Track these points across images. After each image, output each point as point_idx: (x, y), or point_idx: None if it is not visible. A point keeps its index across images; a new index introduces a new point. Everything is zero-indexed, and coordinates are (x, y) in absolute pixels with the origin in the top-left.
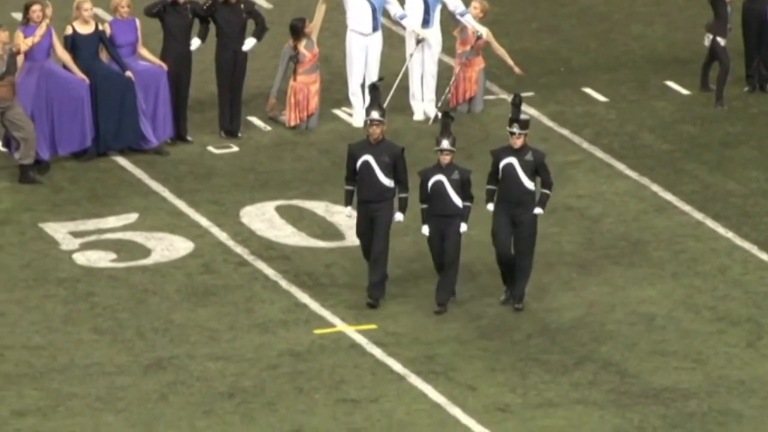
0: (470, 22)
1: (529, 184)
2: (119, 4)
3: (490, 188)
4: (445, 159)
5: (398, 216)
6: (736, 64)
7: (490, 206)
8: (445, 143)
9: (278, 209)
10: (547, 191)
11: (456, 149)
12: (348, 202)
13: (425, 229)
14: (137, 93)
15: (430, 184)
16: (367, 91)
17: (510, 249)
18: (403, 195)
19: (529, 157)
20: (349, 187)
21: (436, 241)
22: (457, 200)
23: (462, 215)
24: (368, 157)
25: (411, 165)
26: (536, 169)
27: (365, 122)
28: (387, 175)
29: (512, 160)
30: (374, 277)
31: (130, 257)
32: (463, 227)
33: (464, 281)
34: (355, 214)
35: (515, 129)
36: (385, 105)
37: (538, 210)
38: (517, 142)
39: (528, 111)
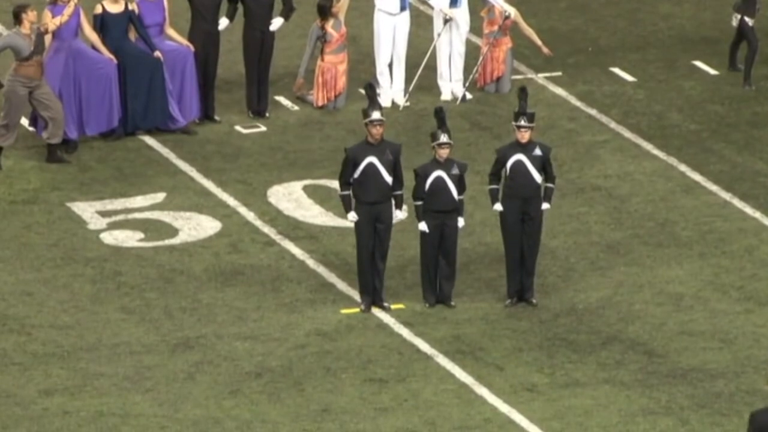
0: (498, 1)
1: (539, 179)
2: None
3: (494, 188)
4: (444, 153)
5: (401, 214)
6: (764, 44)
7: (498, 206)
8: (444, 137)
9: (305, 189)
10: (552, 185)
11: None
12: (349, 208)
13: (423, 226)
14: (165, 73)
15: (429, 180)
16: (365, 89)
17: (522, 247)
18: (399, 192)
19: (537, 152)
20: (347, 192)
21: (434, 237)
22: (456, 195)
23: (458, 209)
24: (372, 159)
25: None
26: (543, 164)
27: (365, 123)
28: (390, 174)
29: (521, 156)
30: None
31: (158, 237)
32: (461, 222)
33: (491, 261)
34: (357, 218)
35: (523, 122)
36: (412, 85)
37: (546, 205)
38: (525, 137)
39: (555, 91)
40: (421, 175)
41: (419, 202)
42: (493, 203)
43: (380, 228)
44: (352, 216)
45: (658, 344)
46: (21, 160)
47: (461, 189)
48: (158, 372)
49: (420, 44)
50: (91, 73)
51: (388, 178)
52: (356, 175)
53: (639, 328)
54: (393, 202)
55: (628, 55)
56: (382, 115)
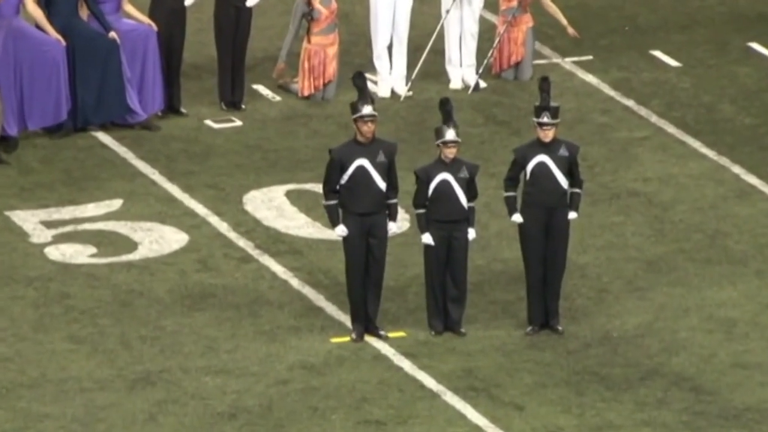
0: None
1: (565, 184)
2: None
3: (511, 195)
4: (451, 153)
5: (395, 226)
6: None
7: (517, 217)
8: (451, 134)
9: (288, 195)
10: (579, 190)
11: (461, 140)
12: (336, 220)
13: (427, 238)
14: (122, 57)
15: (433, 184)
16: (353, 80)
17: (544, 263)
18: (394, 200)
19: (563, 151)
20: (333, 202)
21: (440, 252)
22: (465, 202)
23: (468, 219)
24: (363, 161)
25: None
26: (570, 166)
27: (353, 119)
28: (384, 179)
29: (544, 158)
30: (374, 304)
31: (113, 252)
32: (472, 233)
33: (509, 281)
34: (346, 232)
35: (546, 119)
36: (416, 71)
37: (573, 215)
38: (549, 135)
39: (585, 78)
40: (422, 179)
41: (421, 210)
42: (510, 213)
43: (373, 243)
44: (341, 230)
45: (707, 379)
46: None
47: (472, 195)
48: (113, 413)
49: (425, 23)
50: (34, 58)
51: (382, 184)
52: (344, 180)
53: (684, 360)
54: (387, 212)
55: (671, 36)
56: (374, 109)
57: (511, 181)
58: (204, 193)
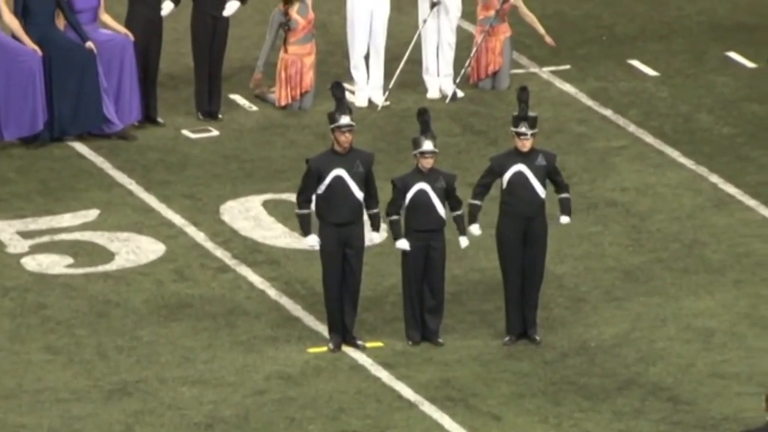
0: None
1: (543, 193)
2: None
3: (476, 204)
4: (428, 163)
5: (377, 237)
6: None
7: (475, 229)
8: (428, 144)
9: (266, 204)
10: (567, 195)
11: (438, 151)
12: (308, 230)
13: (403, 243)
14: (99, 67)
15: (410, 194)
16: (330, 90)
17: (522, 273)
18: (375, 210)
19: (540, 161)
20: (306, 211)
21: (418, 261)
22: (442, 211)
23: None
24: (340, 171)
25: None
26: (549, 174)
27: (331, 129)
28: (361, 189)
29: (522, 168)
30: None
31: (90, 262)
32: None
33: (486, 291)
34: (318, 244)
35: (524, 129)
36: (393, 81)
37: (565, 219)
38: (527, 145)
39: (563, 87)
40: (399, 188)
41: (395, 217)
42: (471, 222)
43: (350, 254)
44: (313, 240)
45: (684, 389)
46: None
47: (455, 204)
48: (90, 423)
49: (402, 33)
50: (10, 67)
51: (359, 194)
52: (321, 190)
53: (662, 370)
54: (369, 222)
55: (649, 46)
56: (351, 119)
57: (481, 188)
58: (181, 203)
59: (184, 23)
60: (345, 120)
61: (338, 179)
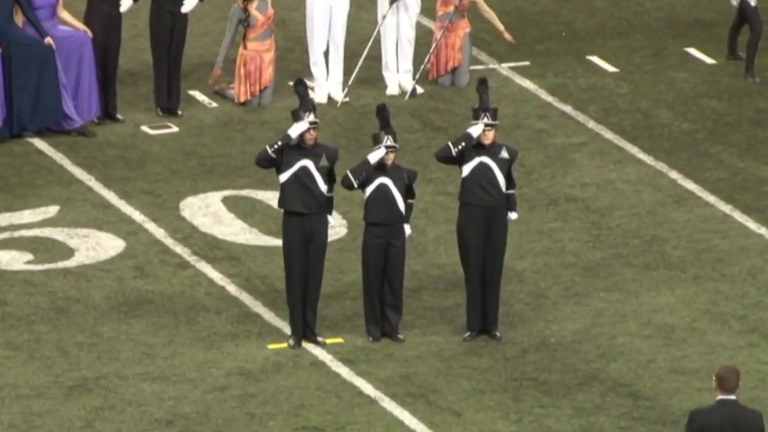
0: None
1: (504, 186)
2: None
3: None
4: (389, 159)
5: (331, 219)
6: None
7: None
8: (389, 139)
9: (225, 201)
10: (514, 191)
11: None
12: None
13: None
14: (58, 63)
15: (371, 189)
16: (294, 87)
17: (482, 267)
18: (330, 194)
19: (504, 154)
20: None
21: (378, 258)
22: (403, 207)
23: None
24: (307, 162)
25: None
26: (509, 169)
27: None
28: (326, 182)
29: (486, 159)
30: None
31: (49, 258)
32: (408, 230)
33: (446, 287)
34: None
35: (486, 120)
36: (352, 77)
37: (514, 215)
38: (489, 137)
39: (522, 84)
40: (361, 175)
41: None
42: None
43: (313, 249)
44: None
45: (644, 385)
46: None
47: (409, 194)
48: (50, 419)
49: (362, 29)
50: None
51: (324, 187)
52: (285, 178)
53: (622, 366)
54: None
55: (608, 42)
56: (315, 116)
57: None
58: (140, 199)
59: (143, 20)
60: (309, 118)
61: (304, 169)
